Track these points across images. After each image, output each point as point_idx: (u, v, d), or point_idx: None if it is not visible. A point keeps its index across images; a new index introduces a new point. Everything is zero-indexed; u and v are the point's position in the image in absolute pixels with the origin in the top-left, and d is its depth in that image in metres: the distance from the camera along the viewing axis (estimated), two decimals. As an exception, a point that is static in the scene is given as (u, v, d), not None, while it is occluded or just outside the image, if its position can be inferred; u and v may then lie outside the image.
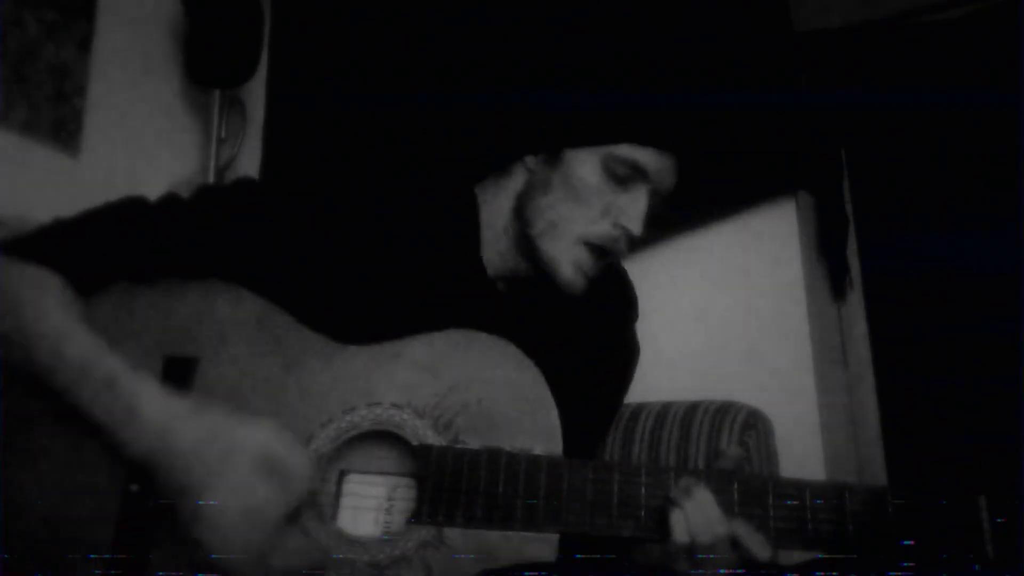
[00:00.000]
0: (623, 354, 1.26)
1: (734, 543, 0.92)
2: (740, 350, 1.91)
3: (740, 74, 1.98)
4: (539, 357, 1.01)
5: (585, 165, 1.08)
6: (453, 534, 0.94)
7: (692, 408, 1.50)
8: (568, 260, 1.08)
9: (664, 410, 1.52)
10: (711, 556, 0.91)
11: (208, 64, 2.10)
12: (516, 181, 1.14)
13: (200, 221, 1.07)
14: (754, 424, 1.45)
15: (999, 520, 0.89)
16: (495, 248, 1.14)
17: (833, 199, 2.01)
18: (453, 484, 0.95)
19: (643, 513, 0.93)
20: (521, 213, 1.12)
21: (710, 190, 1.98)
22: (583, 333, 1.19)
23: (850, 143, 2.09)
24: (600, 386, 1.21)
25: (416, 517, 0.95)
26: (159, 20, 2.16)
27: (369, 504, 1.01)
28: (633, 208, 1.08)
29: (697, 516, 0.92)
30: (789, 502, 0.93)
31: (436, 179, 1.18)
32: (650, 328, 1.98)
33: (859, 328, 2.03)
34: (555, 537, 0.94)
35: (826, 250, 1.99)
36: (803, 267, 1.96)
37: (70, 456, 0.97)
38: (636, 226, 1.07)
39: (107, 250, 1.04)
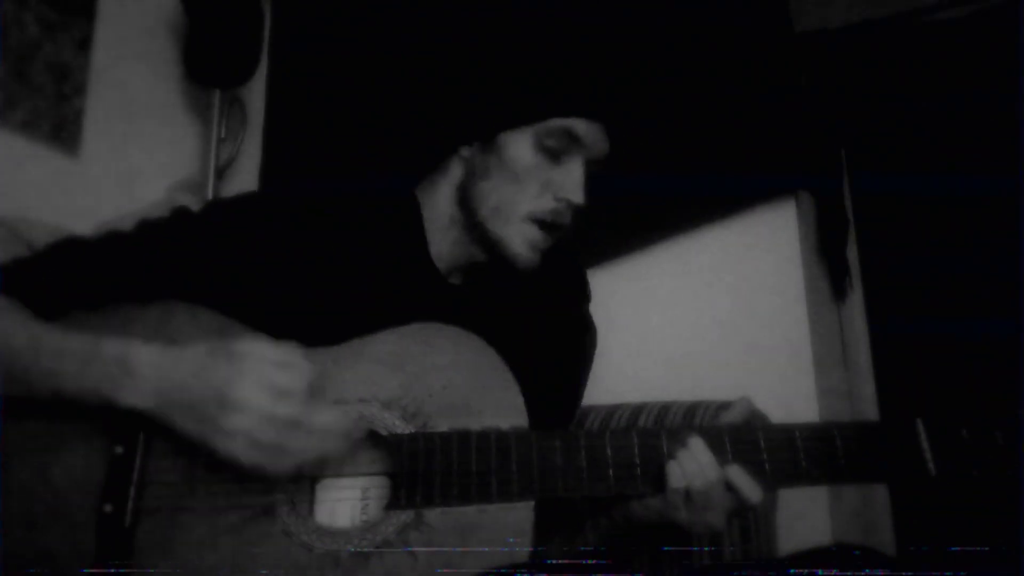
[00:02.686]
0: (579, 334, 1.29)
1: (729, 487, 0.98)
2: (740, 350, 1.91)
3: (740, 74, 1.98)
4: (498, 344, 1.05)
5: (519, 145, 1.12)
6: (432, 514, 0.97)
7: (692, 408, 1.50)
8: (518, 238, 1.12)
9: (664, 410, 1.52)
10: (706, 501, 0.98)
11: (208, 64, 2.09)
12: (454, 173, 1.18)
13: (151, 248, 1.10)
14: (754, 424, 1.45)
15: (939, 441, 0.97)
16: (445, 242, 1.18)
17: (833, 199, 2.01)
18: (427, 468, 0.98)
19: (611, 472, 0.98)
20: (465, 202, 1.16)
21: (710, 190, 1.99)
22: (539, 317, 1.22)
23: (850, 143, 2.09)
24: (561, 368, 1.24)
25: (394, 503, 0.97)
26: (159, 20, 2.16)
27: (344, 507, 1.02)
28: (570, 179, 1.12)
29: (690, 463, 0.98)
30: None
31: (377, 185, 1.22)
32: (650, 328, 1.99)
33: (859, 328, 2.03)
34: (531, 505, 0.97)
35: (826, 250, 1.99)
36: (803, 267, 1.96)
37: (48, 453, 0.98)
38: (576, 195, 1.12)
39: (60, 284, 1.06)
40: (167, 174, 2.10)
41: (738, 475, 0.98)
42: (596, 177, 1.16)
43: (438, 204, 1.18)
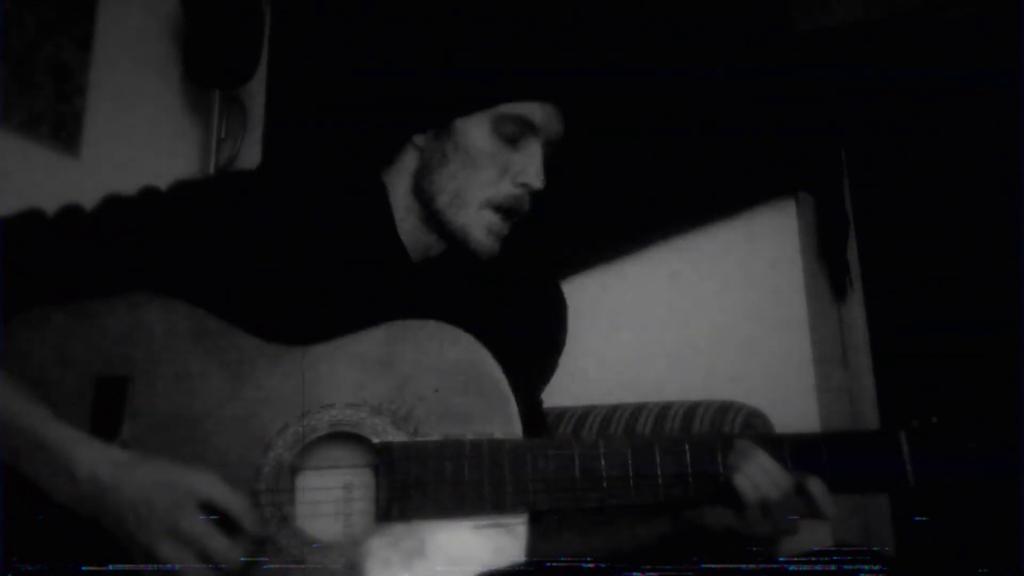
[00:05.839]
0: (550, 309, 1.26)
1: (800, 492, 0.95)
2: (740, 350, 1.91)
3: (740, 73, 1.98)
4: (471, 329, 1.02)
5: (475, 130, 1.10)
6: (423, 527, 0.94)
7: (692, 408, 1.50)
8: (478, 226, 1.10)
9: (664, 410, 1.52)
10: (782, 510, 0.95)
11: (208, 64, 2.10)
12: (408, 162, 1.15)
13: (114, 231, 1.04)
14: (754, 424, 1.45)
15: (919, 451, 0.97)
16: (405, 230, 1.15)
17: (833, 199, 2.01)
18: (419, 478, 0.95)
19: (605, 484, 0.96)
20: (420, 192, 1.13)
21: (710, 190, 1.99)
22: (506, 298, 1.19)
23: (850, 143, 2.09)
24: (533, 346, 1.21)
25: (386, 515, 0.95)
26: (159, 20, 2.16)
27: (327, 498, 0.99)
28: (529, 163, 1.10)
29: (760, 475, 0.95)
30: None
31: (344, 170, 1.19)
32: (650, 328, 1.98)
33: (859, 328, 2.03)
34: (524, 520, 0.95)
35: (826, 250, 1.99)
36: (803, 267, 1.96)
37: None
38: (536, 180, 1.10)
39: (13, 273, 1.00)
40: (167, 174, 2.09)
41: (818, 487, 0.95)
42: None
43: (396, 192, 1.15)
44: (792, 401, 1.85)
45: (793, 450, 0.98)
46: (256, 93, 2.33)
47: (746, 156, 1.95)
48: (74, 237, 1.03)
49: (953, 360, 1.86)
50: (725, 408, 1.47)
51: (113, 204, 1.07)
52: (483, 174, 1.10)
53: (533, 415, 1.13)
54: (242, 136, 2.25)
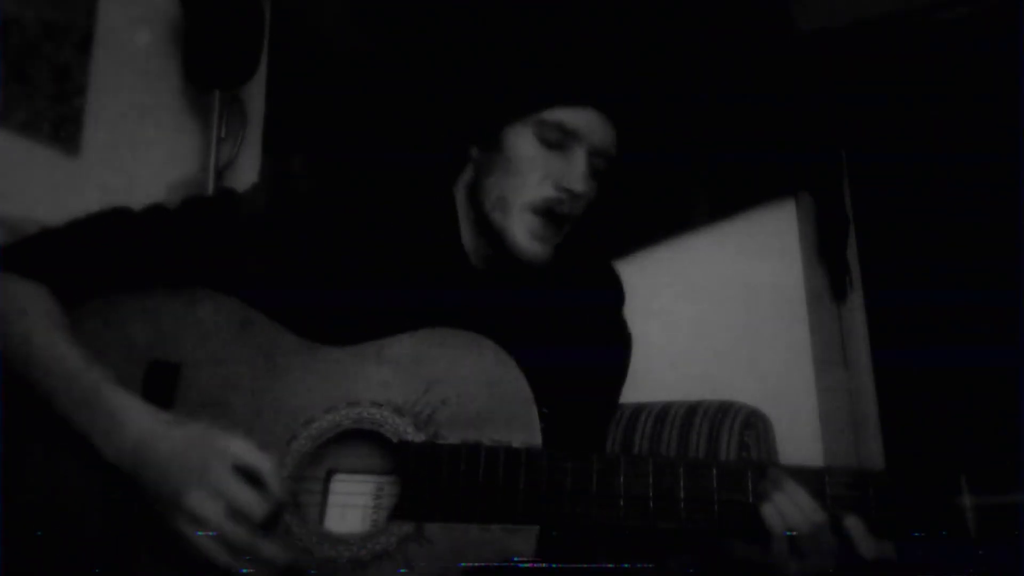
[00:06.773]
0: (614, 341, 1.29)
1: (836, 530, 0.91)
2: (740, 351, 1.91)
3: (741, 73, 1.98)
4: (528, 343, 1.03)
5: (520, 139, 1.14)
6: (433, 528, 0.95)
7: (692, 408, 1.50)
8: (519, 228, 1.13)
9: (664, 410, 1.52)
10: (814, 547, 0.90)
11: (208, 64, 2.09)
12: (466, 173, 1.21)
13: (184, 230, 1.11)
14: (754, 424, 1.45)
15: (980, 500, 0.89)
16: (466, 238, 1.20)
17: (833, 199, 2.01)
18: (433, 479, 0.96)
19: (623, 502, 0.94)
20: (474, 199, 1.18)
21: (710, 190, 1.99)
22: (571, 321, 1.21)
23: (850, 143, 2.09)
24: (593, 371, 1.23)
25: (397, 513, 0.96)
26: (159, 20, 2.16)
27: (357, 503, 1.02)
28: (571, 168, 1.13)
29: (790, 507, 0.91)
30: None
31: (414, 179, 1.24)
32: (651, 328, 1.98)
33: (859, 328, 2.03)
34: (535, 529, 0.95)
35: (826, 250, 1.99)
36: (803, 267, 1.97)
37: (53, 460, 1.00)
38: (576, 184, 1.12)
39: (91, 261, 1.09)
40: (167, 174, 2.10)
41: (857, 527, 0.91)
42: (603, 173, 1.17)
43: (459, 203, 1.21)
44: (792, 401, 1.85)
45: (834, 485, 0.92)
46: (256, 93, 2.33)
47: (747, 156, 1.95)
48: (152, 233, 1.11)
49: (953, 360, 1.86)
50: (725, 408, 1.47)
51: (192, 204, 1.16)
52: (525, 178, 1.13)
53: (579, 435, 1.13)
54: (242, 136, 2.25)
